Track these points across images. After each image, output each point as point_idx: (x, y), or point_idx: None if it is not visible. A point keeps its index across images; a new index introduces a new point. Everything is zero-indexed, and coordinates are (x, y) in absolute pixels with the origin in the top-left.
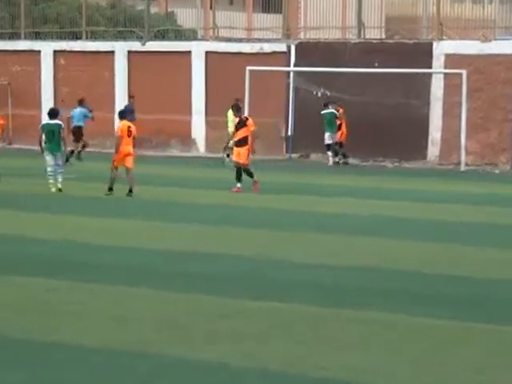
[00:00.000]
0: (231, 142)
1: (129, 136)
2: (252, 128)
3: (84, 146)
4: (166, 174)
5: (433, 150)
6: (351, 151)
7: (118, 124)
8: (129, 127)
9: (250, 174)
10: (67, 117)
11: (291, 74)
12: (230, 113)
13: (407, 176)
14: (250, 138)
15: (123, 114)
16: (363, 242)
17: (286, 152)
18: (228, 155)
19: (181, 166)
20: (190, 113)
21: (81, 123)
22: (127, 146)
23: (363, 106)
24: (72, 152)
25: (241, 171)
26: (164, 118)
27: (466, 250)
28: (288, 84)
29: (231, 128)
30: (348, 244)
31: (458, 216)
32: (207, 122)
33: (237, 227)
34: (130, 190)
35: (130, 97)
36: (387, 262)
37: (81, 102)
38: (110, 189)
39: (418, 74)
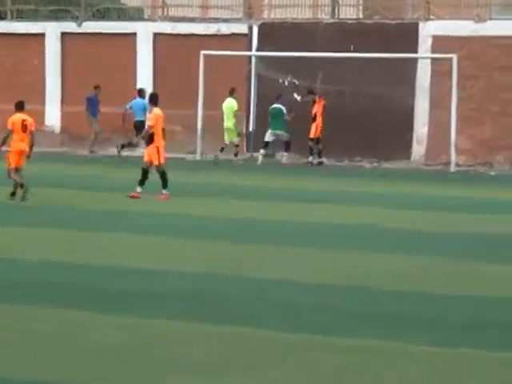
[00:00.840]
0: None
1: (23, 131)
2: (150, 122)
3: (130, 144)
4: (72, 174)
5: (418, 149)
6: (323, 149)
7: (12, 117)
8: (23, 121)
9: (165, 181)
10: (123, 110)
11: (253, 60)
12: (228, 103)
13: (388, 178)
14: (156, 135)
15: (19, 106)
16: (335, 256)
17: (247, 150)
18: (222, 149)
19: (92, 166)
20: None
21: (141, 117)
22: (21, 143)
23: (337, 97)
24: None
25: (146, 173)
26: (105, 111)
27: (460, 264)
28: (249, 71)
29: (229, 122)
30: (319, 258)
31: (447, 225)
32: None
33: (179, 238)
34: (13, 193)
35: (95, 87)
36: (366, 280)
37: (140, 93)
38: (13, 193)
39: (401, 59)
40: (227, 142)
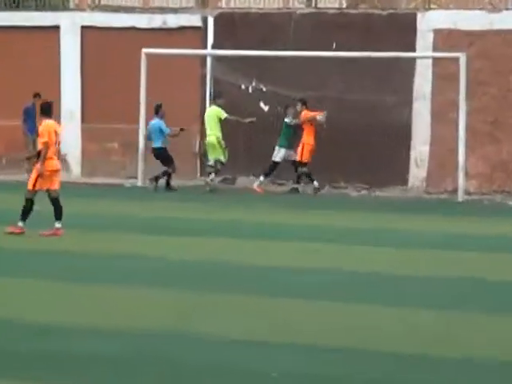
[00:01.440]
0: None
1: (57, 144)
2: (44, 139)
3: (167, 173)
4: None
5: (417, 172)
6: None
7: (44, 124)
8: (55, 130)
9: (59, 211)
10: (145, 134)
11: (208, 60)
12: (212, 111)
13: (379, 210)
14: (42, 152)
15: (48, 110)
16: (314, 308)
17: (201, 175)
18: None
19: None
20: (58, 116)
21: (159, 144)
22: (55, 160)
23: (315, 107)
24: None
25: (31, 203)
26: (18, 124)
27: (477, 320)
28: (204, 74)
29: (211, 136)
30: (294, 311)
31: (455, 269)
32: (84, 131)
33: (111, 284)
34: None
35: (34, 95)
36: (356, 341)
37: (158, 110)
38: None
39: (394, 59)
40: (211, 161)
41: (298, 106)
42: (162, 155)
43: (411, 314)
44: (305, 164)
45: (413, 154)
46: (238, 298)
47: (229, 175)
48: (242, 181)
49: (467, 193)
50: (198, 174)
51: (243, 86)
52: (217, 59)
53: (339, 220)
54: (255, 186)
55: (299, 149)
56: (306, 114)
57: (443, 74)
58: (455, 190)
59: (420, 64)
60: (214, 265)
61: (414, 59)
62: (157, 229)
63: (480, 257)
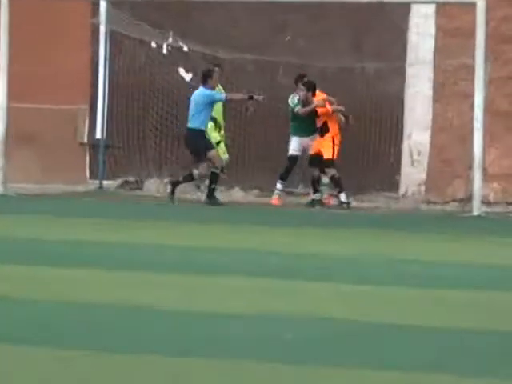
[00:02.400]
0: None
1: None
2: None
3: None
4: None
5: (412, 173)
6: (250, 175)
7: None
8: None
9: None
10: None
11: (102, 5)
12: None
13: (360, 226)
14: None
15: None
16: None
17: (91, 177)
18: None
19: None
20: None
21: (195, 123)
22: None
23: (261, 78)
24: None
25: None
26: None
27: None
28: (96, 26)
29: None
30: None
31: (495, 321)
32: None
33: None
34: None
35: None
36: None
37: (203, 78)
38: None
39: (378, 5)
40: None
41: (301, 91)
42: (196, 143)
43: None
44: (333, 164)
45: (406, 147)
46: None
47: (132, 177)
48: (151, 185)
49: (486, 202)
50: (87, 175)
51: (154, 44)
52: (115, 4)
53: (293, 243)
54: (273, 198)
55: (327, 143)
56: (322, 100)
57: (451, 27)
58: (468, 199)
59: (417, 13)
60: None
61: (407, 5)
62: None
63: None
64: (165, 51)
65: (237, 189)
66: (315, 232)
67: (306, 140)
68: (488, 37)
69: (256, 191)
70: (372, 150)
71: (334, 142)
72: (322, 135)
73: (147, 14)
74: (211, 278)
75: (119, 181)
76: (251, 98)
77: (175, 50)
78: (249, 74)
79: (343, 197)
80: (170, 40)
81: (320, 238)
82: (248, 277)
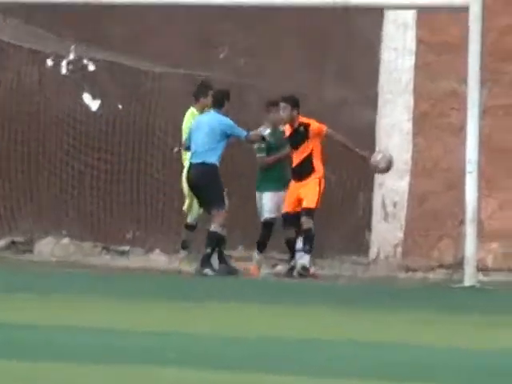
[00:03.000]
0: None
1: None
2: None
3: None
4: None
5: (386, 230)
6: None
7: None
8: None
9: None
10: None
11: None
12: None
13: (317, 301)
14: None
15: None
16: None
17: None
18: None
19: None
20: None
21: (211, 157)
22: None
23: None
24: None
25: None
26: None
27: None
28: None
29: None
30: None
31: None
32: None
33: None
34: None
35: None
36: None
37: (218, 101)
38: None
39: (341, 9)
40: (193, 214)
41: (285, 110)
42: (212, 185)
43: None
44: (313, 215)
45: (378, 196)
46: None
47: (20, 237)
48: (44, 246)
49: (483, 269)
50: None
51: (50, 62)
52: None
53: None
54: (252, 266)
55: (312, 186)
56: (316, 126)
57: (436, 41)
58: (459, 265)
59: (392, 22)
60: None
61: (379, 12)
62: None
63: None
64: (64, 70)
65: (157, 251)
66: (259, 308)
67: (281, 194)
68: (484, 53)
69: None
70: (334, 201)
71: (320, 185)
72: (301, 178)
73: (43, 20)
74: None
75: (3, 242)
76: (264, 138)
77: (78, 68)
78: (173, 94)
79: (307, 259)
80: (73, 54)
81: (266, 317)
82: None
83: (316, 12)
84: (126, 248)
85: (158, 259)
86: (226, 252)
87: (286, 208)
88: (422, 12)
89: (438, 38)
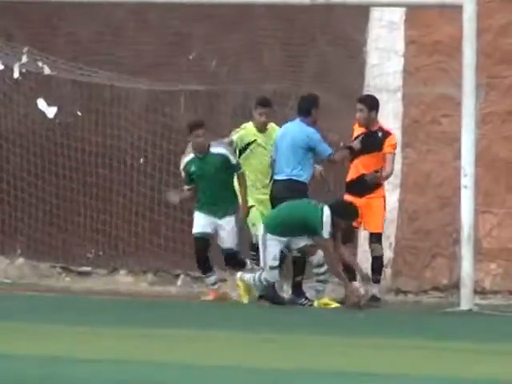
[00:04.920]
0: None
1: None
2: None
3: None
4: None
5: (369, 249)
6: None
7: None
8: None
9: None
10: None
11: None
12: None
13: (299, 329)
14: None
15: None
16: None
17: None
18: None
19: None
20: None
21: (305, 176)
22: None
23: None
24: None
25: None
26: None
27: None
28: None
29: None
30: None
31: None
32: None
33: None
34: None
35: None
36: None
37: (309, 108)
38: None
39: (322, 7)
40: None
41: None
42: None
43: None
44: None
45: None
46: None
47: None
48: None
49: (481, 291)
50: None
51: (0, 66)
52: None
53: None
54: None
55: (379, 206)
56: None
57: (427, 41)
58: (455, 287)
59: (378, 21)
60: None
61: (365, 10)
62: None
63: None
64: (15, 75)
65: (122, 272)
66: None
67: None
68: (481, 54)
69: (150, 276)
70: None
71: (385, 205)
72: (363, 193)
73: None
74: None
75: None
76: (350, 148)
77: (30, 74)
78: (138, 104)
79: (377, 289)
80: (25, 59)
81: (236, 347)
82: None
83: (295, 10)
84: (88, 269)
85: (124, 280)
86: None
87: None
88: (412, 10)
89: (429, 38)
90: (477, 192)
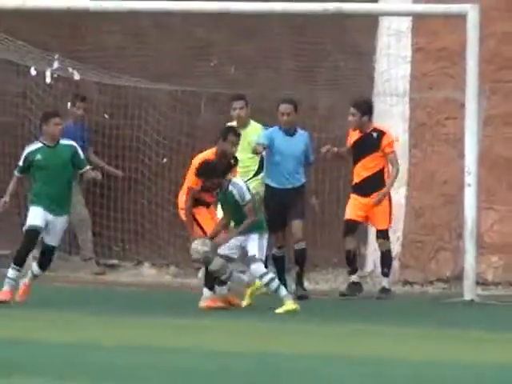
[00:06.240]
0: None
1: None
2: None
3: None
4: None
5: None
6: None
7: None
8: None
9: None
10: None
11: None
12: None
13: (315, 316)
14: None
15: None
16: None
17: None
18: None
19: None
20: None
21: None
22: None
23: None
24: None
25: None
26: None
27: None
28: None
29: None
30: None
31: None
32: None
33: None
34: None
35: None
36: None
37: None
38: None
39: (334, 16)
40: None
41: (355, 116)
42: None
43: None
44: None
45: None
46: None
47: (5, 250)
48: (28, 260)
49: (483, 283)
50: None
51: (34, 71)
52: None
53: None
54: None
55: (385, 204)
56: (391, 140)
57: (433, 48)
58: (458, 278)
59: (387, 30)
60: None
61: (374, 20)
62: None
63: None
64: (48, 80)
65: (146, 265)
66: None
67: None
68: (483, 61)
69: (172, 268)
70: (328, 212)
71: (391, 201)
72: (369, 193)
73: (25, 30)
74: None
75: None
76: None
77: (61, 79)
78: (162, 108)
79: (386, 282)
80: (56, 65)
81: (255, 335)
82: None
83: (308, 19)
84: (115, 261)
85: (148, 272)
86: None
87: (350, 215)
88: (418, 19)
89: (435, 45)
90: (479, 190)
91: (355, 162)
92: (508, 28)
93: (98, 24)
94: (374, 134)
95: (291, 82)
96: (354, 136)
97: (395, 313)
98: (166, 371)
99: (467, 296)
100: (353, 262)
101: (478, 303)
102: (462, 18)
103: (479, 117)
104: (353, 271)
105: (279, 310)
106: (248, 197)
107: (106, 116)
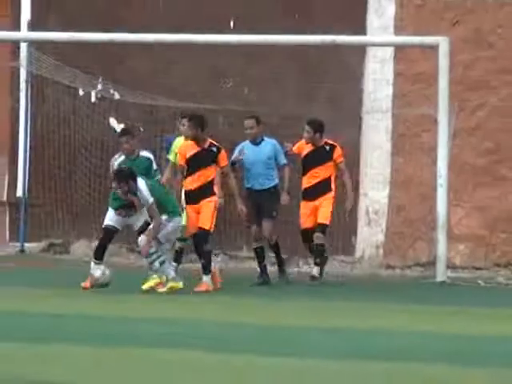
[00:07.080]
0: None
1: None
2: None
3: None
4: None
5: (370, 234)
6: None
7: None
8: None
9: None
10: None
11: (23, 47)
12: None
13: (309, 296)
14: None
15: None
16: None
17: (11, 240)
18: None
19: None
20: None
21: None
22: None
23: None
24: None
25: None
26: None
27: None
28: (17, 71)
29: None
30: None
31: None
32: None
33: None
34: None
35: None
36: None
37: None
38: None
39: (330, 48)
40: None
41: (308, 133)
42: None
43: None
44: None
45: (362, 205)
46: None
47: (58, 239)
48: (78, 248)
49: (452, 267)
50: (8, 238)
51: (81, 92)
52: (37, 46)
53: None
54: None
55: (327, 203)
56: (340, 153)
57: (411, 73)
58: (432, 263)
59: (373, 58)
60: None
61: (363, 49)
62: None
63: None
64: (93, 99)
65: None
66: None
67: None
68: (452, 83)
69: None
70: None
71: (333, 204)
72: (316, 197)
73: (74, 57)
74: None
75: (43, 243)
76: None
77: (104, 99)
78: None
79: (315, 271)
80: (100, 87)
81: (263, 310)
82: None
83: (310, 48)
84: None
85: None
86: (232, 253)
87: (303, 225)
88: (399, 49)
89: (413, 71)
90: (449, 190)
91: (306, 171)
92: (473, 56)
93: (134, 52)
94: (327, 147)
95: (295, 100)
96: (306, 149)
97: (379, 292)
98: None
99: (439, 278)
100: (318, 254)
101: (448, 284)
102: (435, 48)
103: (449, 130)
104: (318, 264)
105: (147, 286)
106: (150, 199)
107: (141, 129)
